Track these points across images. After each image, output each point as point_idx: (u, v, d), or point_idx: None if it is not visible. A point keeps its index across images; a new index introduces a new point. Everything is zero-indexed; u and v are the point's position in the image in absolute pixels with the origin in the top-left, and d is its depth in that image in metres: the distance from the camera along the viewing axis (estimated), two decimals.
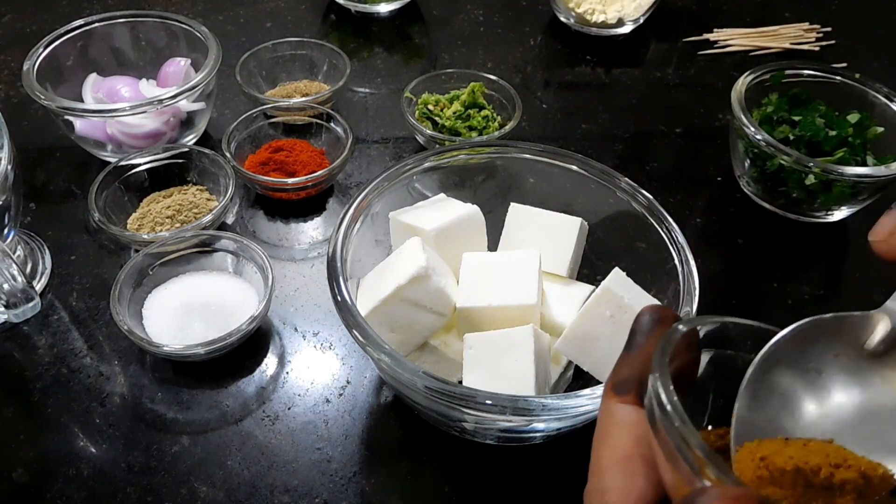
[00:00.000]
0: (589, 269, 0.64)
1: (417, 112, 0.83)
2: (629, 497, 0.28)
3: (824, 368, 0.32)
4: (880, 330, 0.33)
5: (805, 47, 1.03)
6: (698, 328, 0.31)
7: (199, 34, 0.81)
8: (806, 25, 1.06)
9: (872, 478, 0.27)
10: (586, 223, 0.63)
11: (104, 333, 0.65)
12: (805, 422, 0.31)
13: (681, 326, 0.30)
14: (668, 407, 0.26)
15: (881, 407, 0.31)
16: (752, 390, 0.31)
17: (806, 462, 0.27)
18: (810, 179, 0.71)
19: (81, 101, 0.80)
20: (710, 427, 0.32)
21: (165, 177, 0.75)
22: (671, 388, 0.27)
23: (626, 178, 0.61)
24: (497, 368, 0.53)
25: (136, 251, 0.67)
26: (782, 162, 0.72)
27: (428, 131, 0.80)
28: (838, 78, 0.80)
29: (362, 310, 0.54)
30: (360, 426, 0.60)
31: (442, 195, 0.64)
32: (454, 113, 0.81)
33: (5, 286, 0.56)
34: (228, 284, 0.66)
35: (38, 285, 0.68)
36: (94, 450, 0.58)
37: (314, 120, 0.81)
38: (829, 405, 0.32)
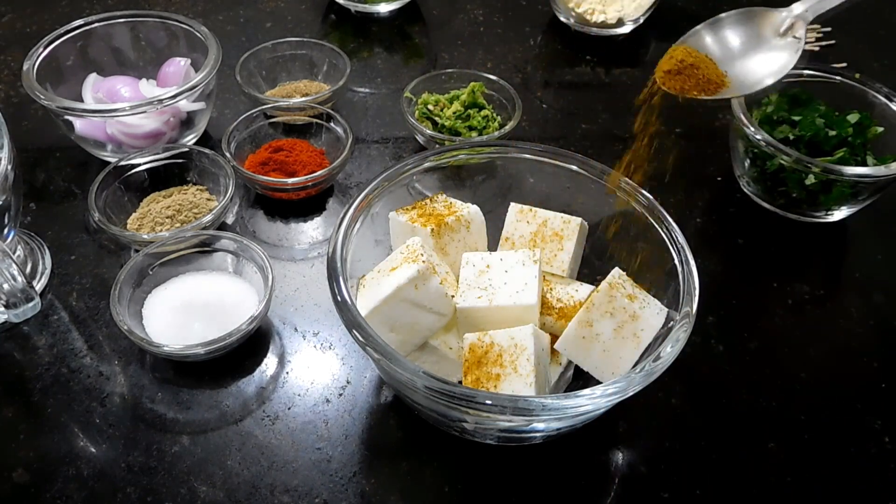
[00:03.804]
0: (589, 269, 0.64)
1: (417, 112, 0.83)
2: None
3: (747, 31, 0.63)
4: (784, 20, 0.62)
5: (805, 47, 1.03)
6: None
7: (199, 34, 0.81)
8: None
9: (715, 78, 0.61)
10: (586, 223, 0.63)
11: (104, 333, 0.65)
12: (719, 50, 0.63)
13: None
14: None
15: (755, 53, 0.62)
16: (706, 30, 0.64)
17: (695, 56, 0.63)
18: (810, 179, 0.71)
19: (81, 101, 0.80)
20: None
21: (165, 177, 0.75)
22: None
23: (627, 178, 0.61)
24: None
25: (136, 251, 0.67)
26: (782, 162, 0.72)
27: (428, 131, 0.80)
28: (838, 78, 0.80)
29: (362, 310, 0.54)
30: (360, 426, 0.60)
31: (442, 196, 0.64)
32: (454, 113, 0.81)
33: (5, 286, 0.56)
34: (228, 284, 0.66)
35: (38, 285, 0.68)
36: (94, 450, 0.58)
37: (314, 120, 0.81)
38: (735, 47, 0.63)
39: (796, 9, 0.62)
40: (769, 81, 0.63)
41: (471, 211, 0.62)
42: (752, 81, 0.64)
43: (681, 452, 0.59)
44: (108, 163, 0.73)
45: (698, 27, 0.65)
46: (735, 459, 0.59)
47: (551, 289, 0.60)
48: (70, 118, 0.75)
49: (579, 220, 0.62)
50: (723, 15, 0.63)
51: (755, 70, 0.63)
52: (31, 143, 0.83)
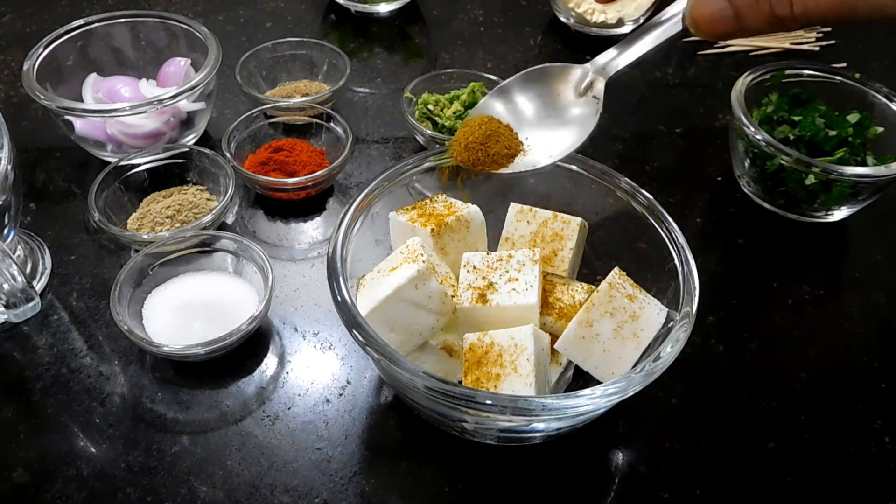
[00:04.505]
0: (589, 269, 0.64)
1: (417, 112, 0.83)
2: None
3: (544, 91, 0.56)
4: (584, 77, 0.55)
5: (805, 47, 1.03)
6: None
7: (199, 34, 0.81)
8: None
9: (507, 151, 0.55)
10: (586, 223, 0.63)
11: (104, 333, 0.65)
12: (514, 118, 0.57)
13: None
14: None
15: (553, 117, 0.56)
16: (496, 97, 0.57)
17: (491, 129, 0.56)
18: (810, 179, 0.71)
19: (81, 101, 0.80)
20: None
21: (165, 177, 0.75)
22: None
23: (626, 178, 0.61)
24: None
25: (136, 251, 0.67)
26: (782, 162, 0.72)
27: (428, 131, 0.80)
28: (838, 78, 0.80)
29: (362, 310, 0.54)
30: (360, 426, 0.60)
31: (442, 196, 0.64)
32: (454, 113, 0.81)
33: (5, 286, 0.56)
34: (228, 284, 0.66)
35: (38, 285, 0.68)
36: (94, 450, 0.58)
37: (314, 120, 0.81)
38: (529, 113, 0.56)
39: (599, 60, 0.53)
40: (564, 151, 0.55)
41: (471, 211, 0.62)
42: (551, 152, 0.55)
43: (681, 452, 0.59)
44: (108, 163, 0.74)
45: (489, 93, 0.56)
46: (735, 459, 0.59)
47: (551, 289, 0.60)
48: (70, 118, 0.75)
49: (579, 220, 0.62)
50: (514, 76, 0.55)
51: (551, 139, 0.55)
52: (31, 143, 0.83)
